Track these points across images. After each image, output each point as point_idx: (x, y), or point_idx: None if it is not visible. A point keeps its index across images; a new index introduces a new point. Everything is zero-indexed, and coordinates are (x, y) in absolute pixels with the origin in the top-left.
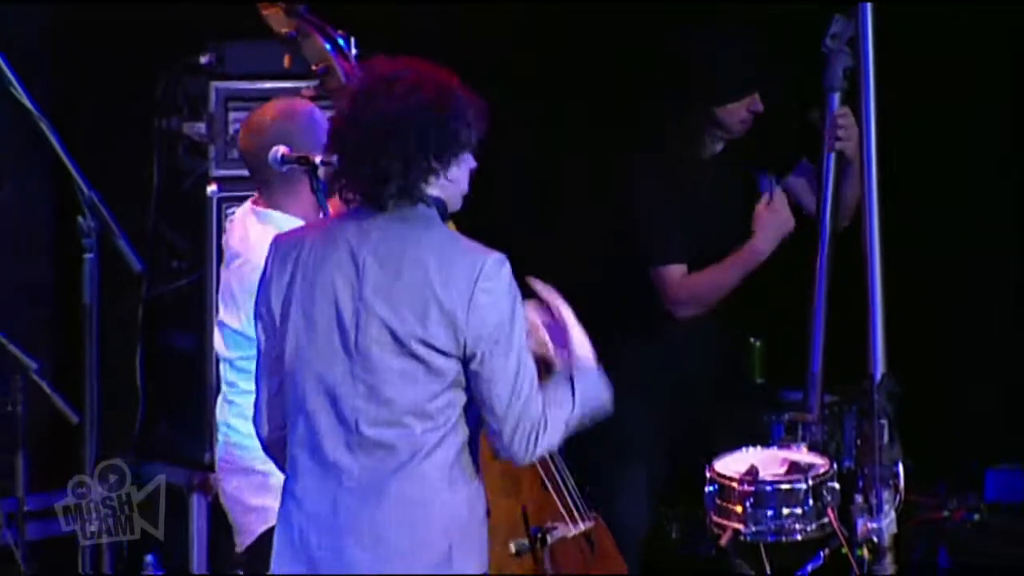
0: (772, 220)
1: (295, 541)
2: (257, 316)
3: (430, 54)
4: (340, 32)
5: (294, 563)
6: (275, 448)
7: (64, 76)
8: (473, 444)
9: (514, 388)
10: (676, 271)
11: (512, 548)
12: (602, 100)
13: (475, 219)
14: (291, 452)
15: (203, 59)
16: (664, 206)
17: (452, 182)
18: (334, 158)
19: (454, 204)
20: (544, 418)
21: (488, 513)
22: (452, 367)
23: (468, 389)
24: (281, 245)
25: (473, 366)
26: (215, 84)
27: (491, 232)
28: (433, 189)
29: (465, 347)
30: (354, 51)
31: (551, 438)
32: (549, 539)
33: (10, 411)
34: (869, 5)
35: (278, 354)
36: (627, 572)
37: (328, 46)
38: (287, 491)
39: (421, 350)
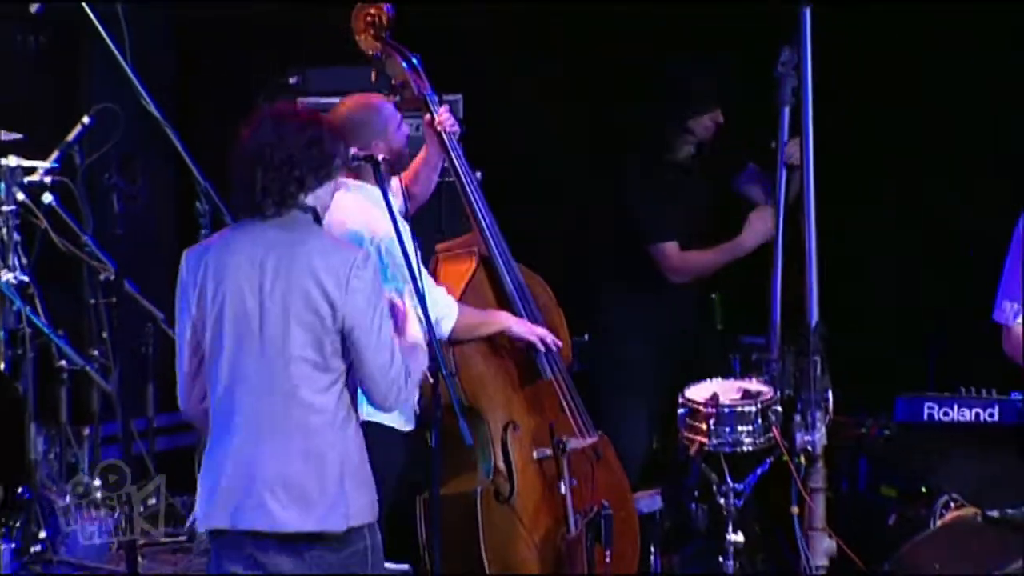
0: (760, 226)
1: (220, 491)
2: (180, 311)
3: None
4: (416, 54)
5: (221, 513)
6: (196, 418)
7: (186, 91)
8: (352, 398)
9: (380, 354)
10: (672, 247)
11: (535, 456)
12: (599, 112)
13: (515, 209)
14: (215, 418)
15: (291, 80)
16: (654, 196)
17: (319, 197)
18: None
19: (323, 213)
20: (403, 376)
21: (517, 427)
22: (336, 341)
23: (346, 358)
24: (191, 255)
25: (351, 339)
26: (300, 100)
27: (524, 220)
28: (308, 200)
29: (343, 323)
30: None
31: (408, 392)
32: (567, 448)
33: (143, 352)
34: (808, 36)
35: (198, 340)
36: (625, 477)
37: (405, 65)
38: (213, 448)
39: (314, 329)
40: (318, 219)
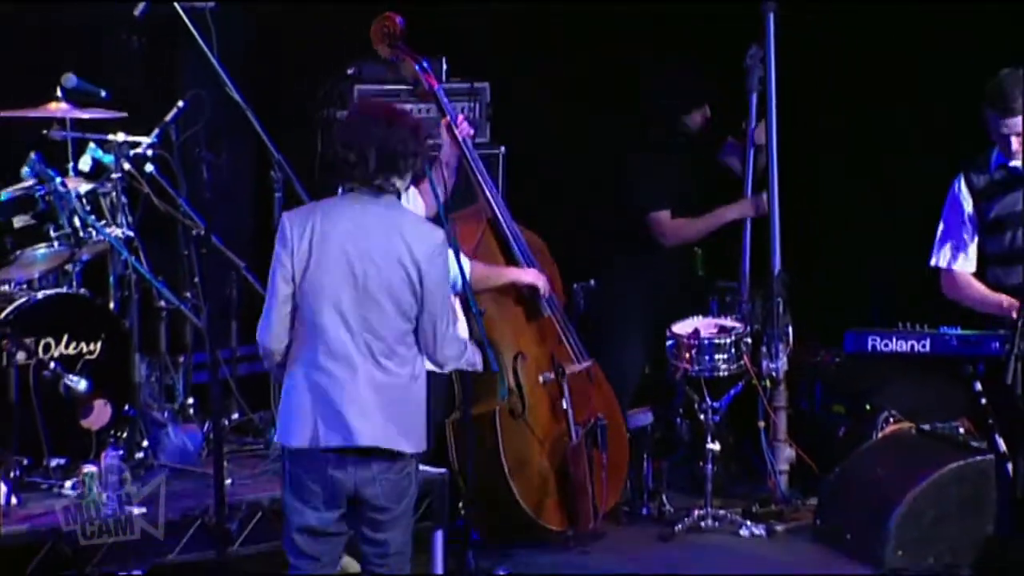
0: (740, 208)
1: (303, 412)
2: (279, 264)
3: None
4: (426, 57)
5: (302, 433)
6: (274, 353)
7: (262, 79)
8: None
9: (444, 317)
10: (664, 215)
11: (541, 379)
12: (606, 106)
13: (536, 183)
14: (303, 353)
15: (350, 71)
16: (652, 174)
17: (403, 182)
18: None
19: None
20: (460, 340)
21: (525, 356)
22: (415, 300)
23: (417, 319)
24: (296, 218)
25: (426, 302)
26: (357, 87)
27: (544, 191)
28: (399, 184)
29: (423, 287)
30: (444, 66)
31: (458, 353)
32: (566, 373)
33: (227, 294)
34: (772, 35)
35: (292, 290)
36: (615, 395)
37: (416, 67)
38: (297, 376)
39: (407, 291)
40: (399, 198)
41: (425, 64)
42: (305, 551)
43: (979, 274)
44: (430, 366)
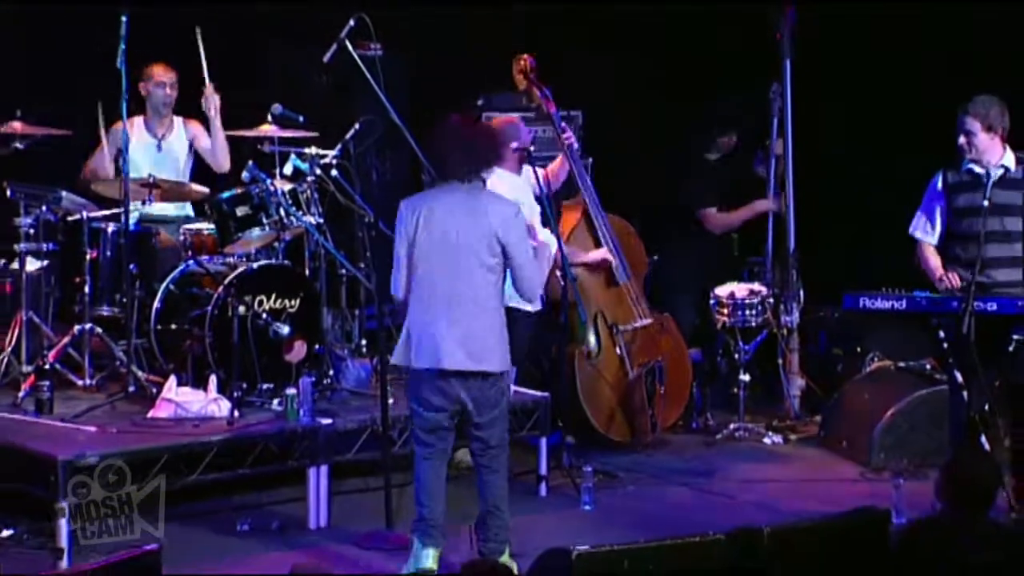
0: (769, 203)
1: (424, 343)
2: (400, 237)
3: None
4: (548, 87)
5: (424, 357)
6: (402, 301)
7: (415, 107)
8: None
9: (526, 265)
10: (711, 211)
11: (612, 331)
12: (667, 126)
13: (617, 184)
14: (420, 300)
15: (479, 101)
16: (701, 178)
17: (488, 173)
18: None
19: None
20: (536, 277)
21: (602, 313)
22: (499, 257)
23: (504, 268)
24: (409, 203)
25: (508, 255)
26: (485, 113)
27: (623, 191)
28: (484, 175)
29: (504, 246)
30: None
31: (538, 285)
32: (620, 328)
33: (389, 265)
34: (789, 76)
35: (410, 255)
36: (683, 341)
37: (540, 94)
38: (416, 316)
39: (491, 254)
40: (484, 185)
41: (547, 92)
42: (424, 441)
43: (944, 249)
44: (521, 304)
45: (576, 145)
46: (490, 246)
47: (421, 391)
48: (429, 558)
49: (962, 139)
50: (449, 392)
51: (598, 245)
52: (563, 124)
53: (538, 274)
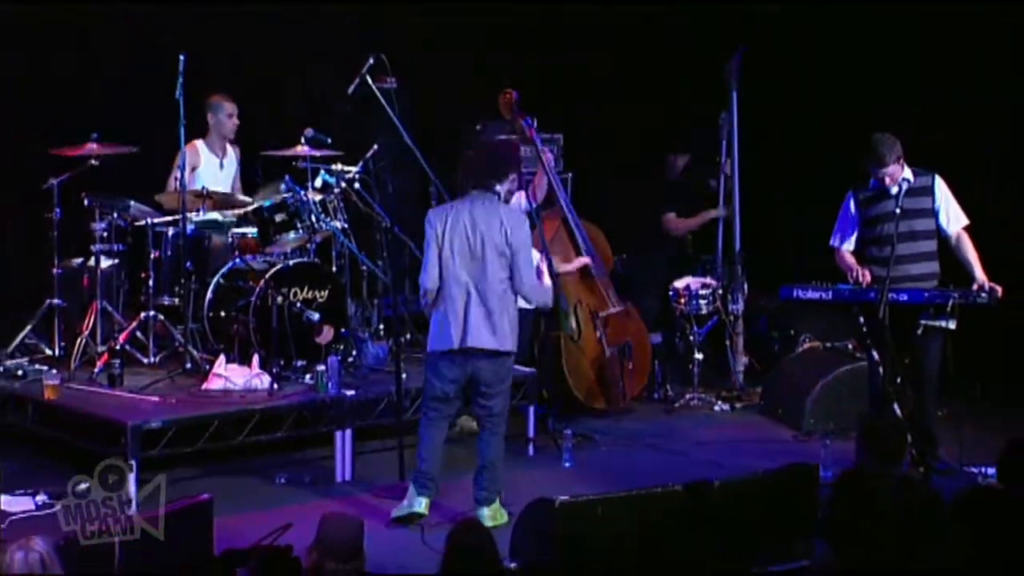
0: (719, 211)
1: (450, 329)
2: (430, 241)
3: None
4: (531, 116)
5: (452, 340)
6: (429, 294)
7: (424, 131)
8: (512, 293)
9: (528, 269)
10: (671, 216)
11: (590, 318)
12: (629, 148)
13: (592, 196)
14: (447, 294)
15: (478, 127)
16: (663, 190)
17: (503, 187)
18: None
19: (508, 198)
20: (535, 284)
21: (582, 302)
22: (508, 257)
23: (511, 268)
24: (436, 212)
25: (514, 261)
26: (481, 138)
27: (598, 201)
28: (498, 188)
29: (512, 250)
30: (535, 122)
31: (541, 293)
32: (599, 314)
33: (403, 262)
34: (736, 105)
35: (440, 256)
36: (644, 325)
37: (523, 122)
38: (442, 306)
39: (502, 254)
40: (502, 200)
41: (528, 121)
42: (432, 407)
43: (860, 251)
44: (523, 304)
45: (554, 164)
46: (503, 246)
47: (440, 366)
48: (421, 504)
49: (886, 180)
50: (465, 367)
51: (575, 247)
52: (543, 147)
53: (533, 278)
